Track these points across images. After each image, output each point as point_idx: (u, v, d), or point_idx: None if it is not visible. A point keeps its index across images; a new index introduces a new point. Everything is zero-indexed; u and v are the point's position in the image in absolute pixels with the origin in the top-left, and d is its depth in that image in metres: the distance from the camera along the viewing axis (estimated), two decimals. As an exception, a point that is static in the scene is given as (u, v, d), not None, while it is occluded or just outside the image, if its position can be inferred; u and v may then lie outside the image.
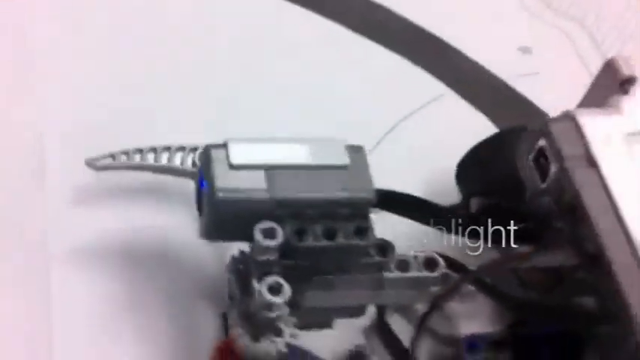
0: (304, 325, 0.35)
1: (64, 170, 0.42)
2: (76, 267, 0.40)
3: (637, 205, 0.33)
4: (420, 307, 0.37)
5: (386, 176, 0.46)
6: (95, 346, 0.38)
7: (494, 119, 0.50)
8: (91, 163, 0.40)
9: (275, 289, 0.32)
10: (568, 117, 0.35)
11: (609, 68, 0.37)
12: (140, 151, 0.40)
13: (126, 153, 0.40)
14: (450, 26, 0.53)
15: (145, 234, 0.41)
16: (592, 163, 0.34)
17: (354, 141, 0.47)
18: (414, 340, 0.34)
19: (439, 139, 0.47)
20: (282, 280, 0.32)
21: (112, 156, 0.40)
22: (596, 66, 0.54)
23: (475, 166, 0.42)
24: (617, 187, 0.33)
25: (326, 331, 0.37)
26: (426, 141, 0.48)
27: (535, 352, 0.34)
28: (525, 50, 0.54)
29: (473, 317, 0.35)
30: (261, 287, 0.32)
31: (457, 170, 0.42)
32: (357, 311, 0.37)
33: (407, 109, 0.50)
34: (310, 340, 0.35)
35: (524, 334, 0.35)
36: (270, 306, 0.32)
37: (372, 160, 0.47)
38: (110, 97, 0.45)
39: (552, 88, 0.52)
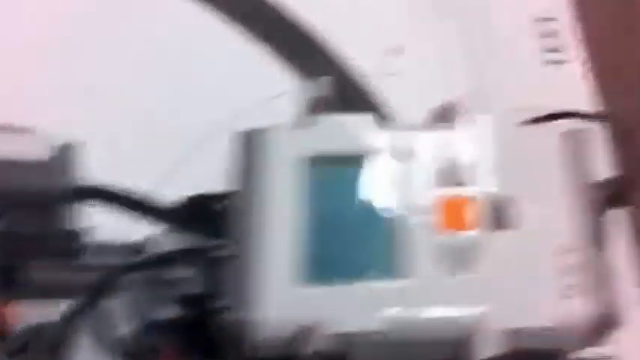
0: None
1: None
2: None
3: (270, 222, 0.35)
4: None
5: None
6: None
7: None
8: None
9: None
10: (265, 131, 0.37)
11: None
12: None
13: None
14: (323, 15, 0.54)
15: None
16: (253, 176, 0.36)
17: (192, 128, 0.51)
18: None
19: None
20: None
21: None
22: (464, 70, 0.55)
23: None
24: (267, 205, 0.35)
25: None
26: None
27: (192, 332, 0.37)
28: (397, 50, 0.55)
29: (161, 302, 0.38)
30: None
31: None
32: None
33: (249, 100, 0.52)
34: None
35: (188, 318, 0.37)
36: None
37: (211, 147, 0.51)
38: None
39: (414, 89, 0.52)
